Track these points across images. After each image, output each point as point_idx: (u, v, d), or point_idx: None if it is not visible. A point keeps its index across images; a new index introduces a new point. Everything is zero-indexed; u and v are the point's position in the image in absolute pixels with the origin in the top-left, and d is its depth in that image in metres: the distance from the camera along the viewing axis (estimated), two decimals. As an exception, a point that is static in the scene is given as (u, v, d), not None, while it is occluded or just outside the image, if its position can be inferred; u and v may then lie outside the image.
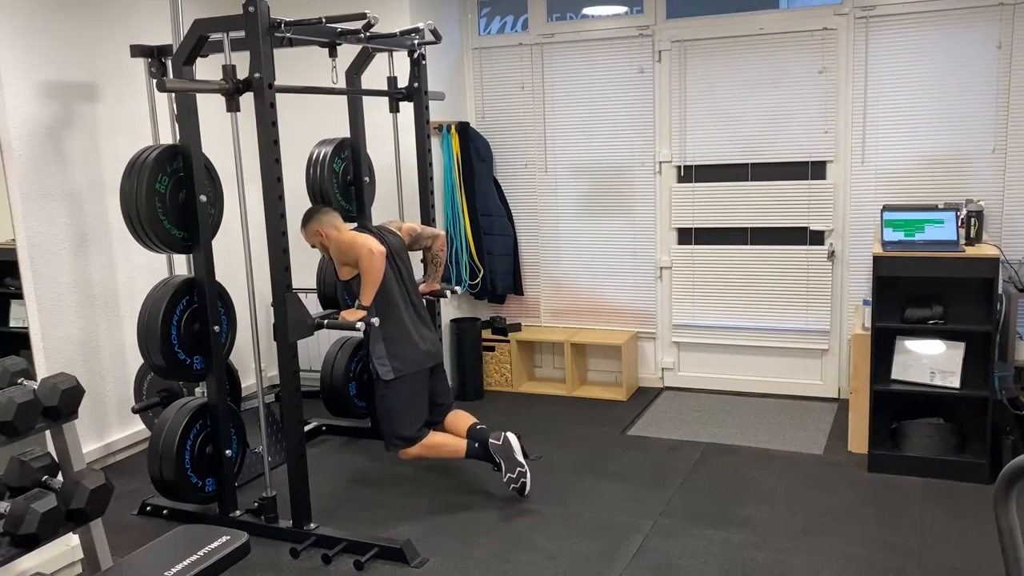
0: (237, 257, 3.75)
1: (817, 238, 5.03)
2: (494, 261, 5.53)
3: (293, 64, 4.82)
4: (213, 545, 2.42)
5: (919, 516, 3.65)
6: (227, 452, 3.72)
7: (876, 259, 4.01)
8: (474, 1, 5.61)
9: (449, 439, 3.89)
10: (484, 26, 5.71)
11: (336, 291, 4.45)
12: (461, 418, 4.01)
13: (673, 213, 5.30)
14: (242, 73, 3.32)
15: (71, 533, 2.75)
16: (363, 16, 3.50)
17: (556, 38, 5.42)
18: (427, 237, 4.12)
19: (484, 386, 5.58)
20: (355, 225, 4.15)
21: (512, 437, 3.81)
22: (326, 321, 3.67)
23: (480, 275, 5.51)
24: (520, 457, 3.80)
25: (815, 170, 4.97)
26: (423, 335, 3.89)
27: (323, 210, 3.90)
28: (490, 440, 3.80)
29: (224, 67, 3.35)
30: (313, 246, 3.91)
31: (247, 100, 3.31)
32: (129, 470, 4.44)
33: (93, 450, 4.40)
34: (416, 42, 4.24)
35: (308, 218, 3.87)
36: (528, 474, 3.83)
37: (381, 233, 3.92)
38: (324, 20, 3.51)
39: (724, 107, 5.08)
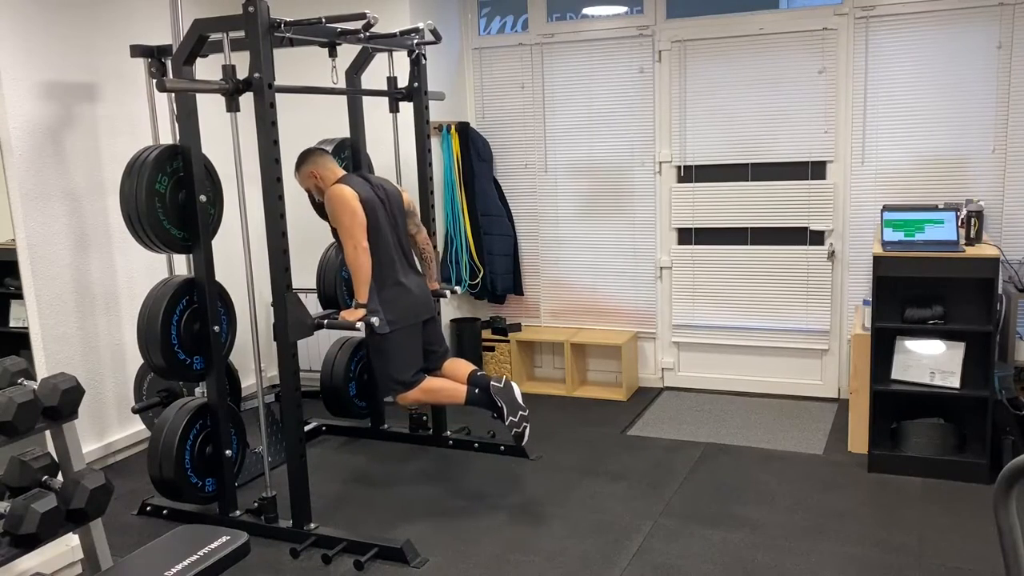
0: (237, 257, 3.75)
1: (817, 238, 5.03)
2: (494, 261, 5.53)
3: (293, 64, 4.82)
4: (213, 545, 2.42)
5: (919, 516, 3.65)
6: (227, 452, 3.72)
7: (876, 259, 4.01)
8: (474, 1, 5.61)
9: (448, 383, 3.84)
10: (484, 26, 5.71)
11: (336, 291, 4.45)
12: (460, 366, 3.97)
13: (673, 213, 5.30)
14: (242, 73, 3.32)
15: (71, 533, 2.75)
16: (363, 16, 3.50)
17: (556, 38, 5.43)
18: (415, 224, 4.08)
19: (484, 386, 5.58)
20: (343, 175, 3.90)
21: (514, 384, 3.77)
22: (326, 321, 3.67)
23: (480, 275, 5.52)
24: (521, 401, 3.73)
25: (815, 170, 4.97)
26: (416, 284, 3.87)
27: (317, 151, 3.86)
28: (491, 383, 3.73)
29: (224, 67, 3.35)
30: (307, 190, 3.87)
31: (247, 100, 3.32)
32: (129, 470, 4.44)
33: (93, 450, 4.40)
34: (416, 42, 4.24)
35: (302, 160, 3.82)
36: (528, 421, 3.73)
37: (378, 183, 3.87)
38: (324, 20, 3.51)
39: (724, 107, 5.08)
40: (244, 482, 4.13)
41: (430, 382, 3.82)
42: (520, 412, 3.71)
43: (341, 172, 3.82)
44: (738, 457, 4.36)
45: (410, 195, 4.12)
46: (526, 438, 3.73)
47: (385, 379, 3.83)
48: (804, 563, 3.30)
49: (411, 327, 3.81)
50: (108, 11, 4.47)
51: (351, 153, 4.46)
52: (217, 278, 3.67)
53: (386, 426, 4.78)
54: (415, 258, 3.99)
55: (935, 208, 4.21)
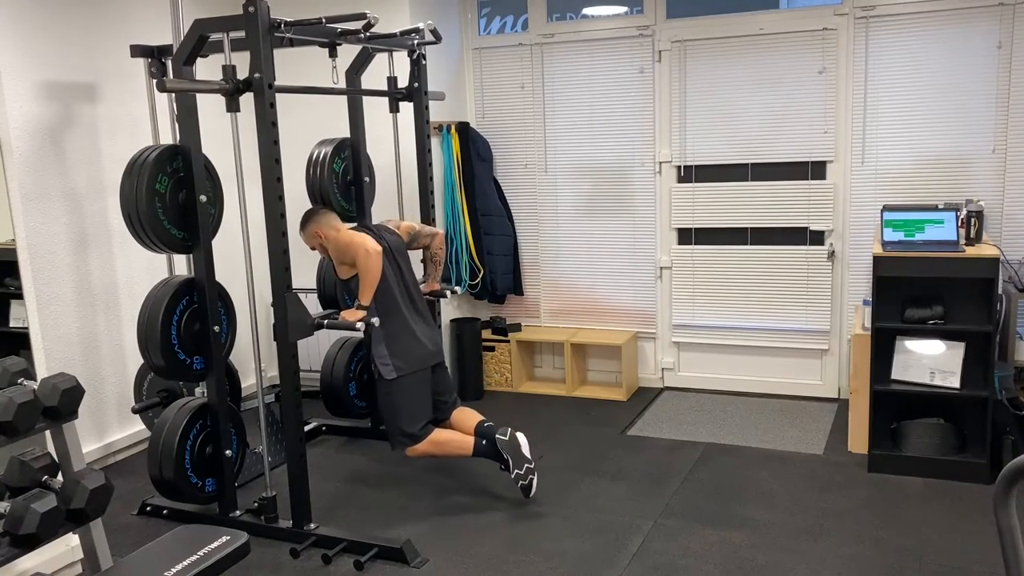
0: (237, 257, 3.76)
1: (817, 238, 5.03)
2: (494, 261, 5.53)
3: (293, 64, 4.82)
4: (213, 545, 2.42)
5: (919, 516, 3.65)
6: (227, 452, 3.72)
7: (876, 259, 4.01)
8: (474, 1, 5.61)
9: (456, 436, 3.87)
10: (484, 26, 5.71)
11: (336, 291, 4.45)
12: (468, 415, 4.00)
13: (673, 213, 5.30)
14: (242, 73, 3.32)
15: (71, 533, 2.75)
16: (363, 16, 3.51)
17: (556, 38, 5.43)
18: (426, 235, 4.13)
19: (484, 386, 5.58)
20: (353, 225, 4.14)
21: (520, 435, 3.81)
22: (326, 321, 3.67)
23: (480, 275, 5.51)
24: (528, 454, 3.79)
25: (815, 170, 4.97)
26: (425, 333, 3.90)
27: (321, 211, 3.91)
28: (497, 436, 3.78)
29: (224, 67, 3.35)
30: (313, 248, 3.91)
31: (247, 100, 3.32)
32: (129, 470, 4.44)
33: (93, 450, 4.40)
34: (416, 42, 4.24)
35: (306, 220, 3.88)
36: (535, 473, 3.82)
37: (379, 232, 3.93)
38: (324, 20, 3.51)
39: (724, 107, 5.08)
40: (244, 482, 4.13)
41: (438, 434, 3.85)
42: (526, 465, 3.77)
43: (344, 228, 3.86)
44: (738, 457, 4.36)
45: (406, 223, 4.11)
46: (533, 490, 3.81)
47: (394, 432, 3.85)
48: (804, 563, 3.30)
49: (420, 372, 3.84)
50: (108, 11, 4.47)
51: (351, 153, 4.46)
52: (217, 278, 3.67)
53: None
54: (424, 306, 4.00)
55: (935, 208, 4.21)
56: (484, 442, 3.82)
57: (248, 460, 4.18)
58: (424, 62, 4.36)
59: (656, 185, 5.32)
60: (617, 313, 5.57)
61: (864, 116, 4.79)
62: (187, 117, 3.53)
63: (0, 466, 2.64)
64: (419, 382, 3.84)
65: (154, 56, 4.09)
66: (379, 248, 3.65)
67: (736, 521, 3.66)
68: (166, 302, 3.54)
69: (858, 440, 4.29)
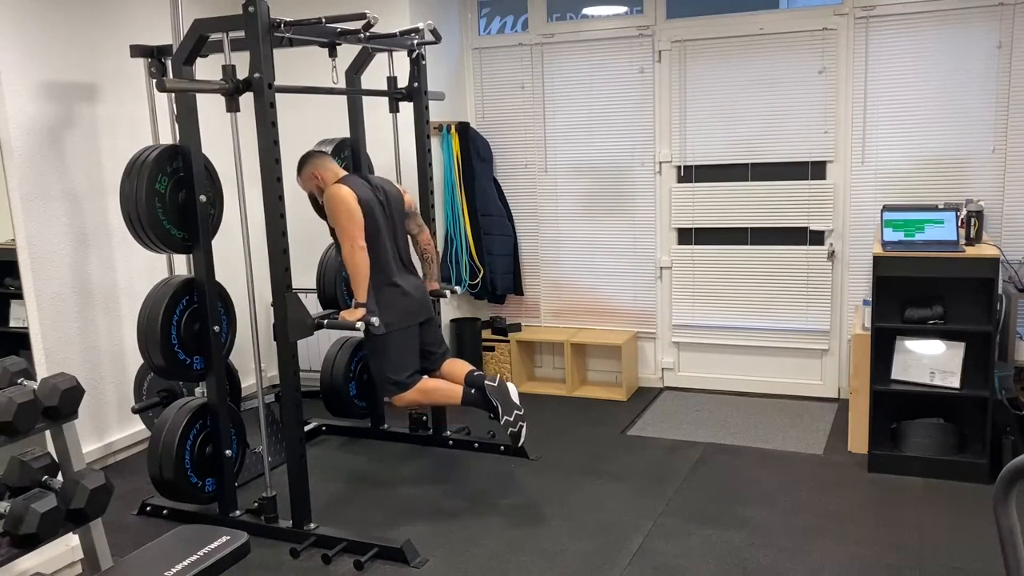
0: (237, 257, 3.75)
1: (817, 238, 5.03)
2: (494, 261, 5.53)
3: (293, 64, 4.82)
4: (213, 545, 2.42)
5: (919, 516, 3.65)
6: (227, 452, 3.72)
7: (876, 259, 4.01)
8: (474, 1, 5.61)
9: (444, 384, 3.86)
10: (484, 26, 5.71)
11: (336, 291, 4.45)
12: (458, 366, 3.98)
13: (673, 213, 5.30)
14: (242, 73, 3.32)
15: (71, 533, 2.75)
16: (363, 16, 3.50)
17: (556, 38, 5.42)
18: (417, 224, 4.10)
19: (484, 386, 5.58)
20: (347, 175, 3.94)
21: (510, 383, 3.77)
22: (326, 321, 3.67)
23: (480, 275, 5.51)
24: (517, 401, 3.73)
25: (815, 170, 4.97)
26: (413, 285, 3.88)
27: (317, 153, 3.88)
28: (486, 383, 3.75)
29: (224, 67, 3.35)
30: (310, 192, 3.88)
31: (247, 100, 3.32)
32: (129, 470, 4.44)
33: (93, 450, 4.40)
34: (416, 42, 4.24)
35: (303, 162, 3.85)
36: (525, 420, 3.74)
37: (379, 185, 3.88)
38: (324, 20, 3.51)
39: (724, 107, 5.08)
40: (244, 482, 4.13)
41: (426, 383, 3.84)
42: (515, 411, 3.72)
43: (342, 172, 3.83)
44: (738, 457, 4.35)
45: (412, 195, 4.12)
46: (523, 438, 3.75)
47: (381, 380, 3.86)
48: (804, 563, 3.30)
49: (407, 329, 3.82)
50: (108, 11, 4.47)
51: (351, 153, 4.46)
52: (217, 278, 3.67)
53: (386, 426, 4.78)
54: (412, 259, 3.99)
55: (935, 208, 4.22)
56: (473, 391, 3.77)
57: (248, 460, 4.17)
58: (424, 62, 4.35)
59: (656, 185, 5.32)
60: (617, 313, 5.57)
61: (864, 116, 4.79)
62: (187, 117, 3.53)
63: (0, 466, 2.64)
64: (407, 336, 3.83)
65: (154, 56, 4.08)
66: (363, 245, 3.63)
67: (736, 521, 3.66)
68: (166, 302, 3.54)
69: (858, 440, 4.29)
